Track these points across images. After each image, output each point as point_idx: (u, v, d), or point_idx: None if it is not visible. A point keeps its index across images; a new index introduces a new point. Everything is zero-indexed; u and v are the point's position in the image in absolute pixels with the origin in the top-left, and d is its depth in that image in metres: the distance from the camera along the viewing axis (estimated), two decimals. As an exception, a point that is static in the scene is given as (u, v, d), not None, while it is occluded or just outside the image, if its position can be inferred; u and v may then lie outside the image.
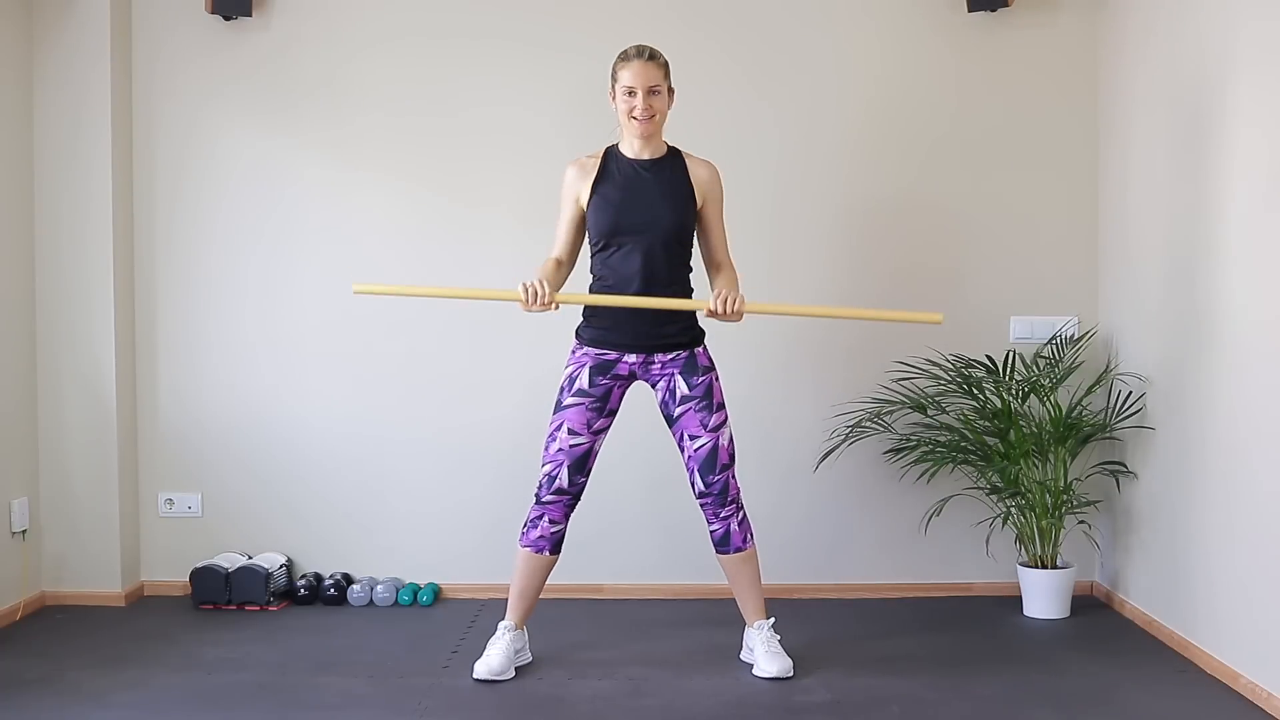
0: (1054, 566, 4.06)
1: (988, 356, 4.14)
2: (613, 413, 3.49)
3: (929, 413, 4.13)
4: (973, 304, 4.32)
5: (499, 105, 4.32)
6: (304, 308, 4.36)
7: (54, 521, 4.25)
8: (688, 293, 3.49)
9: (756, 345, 4.31)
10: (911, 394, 4.18)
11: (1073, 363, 4.12)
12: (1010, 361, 4.12)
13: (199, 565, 4.21)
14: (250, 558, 4.29)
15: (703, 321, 3.51)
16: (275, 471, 4.37)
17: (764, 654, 3.44)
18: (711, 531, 3.48)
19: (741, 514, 3.48)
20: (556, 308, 3.32)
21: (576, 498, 3.47)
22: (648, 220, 3.37)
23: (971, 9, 4.23)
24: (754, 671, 3.46)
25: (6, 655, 3.65)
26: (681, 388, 3.44)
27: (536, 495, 3.45)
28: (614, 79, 3.42)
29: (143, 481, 4.39)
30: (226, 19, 4.29)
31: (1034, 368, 4.11)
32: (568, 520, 3.47)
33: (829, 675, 3.42)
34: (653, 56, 3.40)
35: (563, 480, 3.42)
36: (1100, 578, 4.32)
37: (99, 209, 4.20)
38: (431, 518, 4.38)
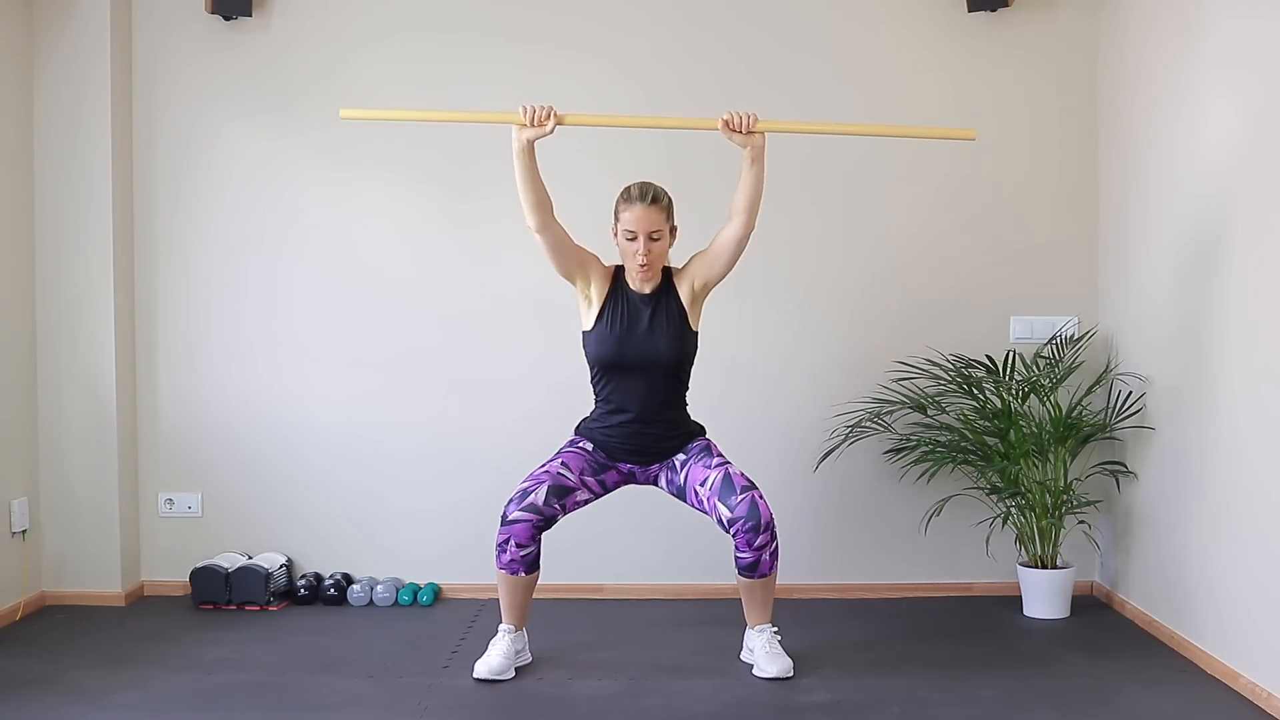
0: (1054, 566, 4.06)
1: (988, 356, 4.14)
2: (602, 485, 3.48)
3: (929, 413, 4.13)
4: (973, 304, 4.33)
5: (499, 104, 4.30)
6: (304, 308, 4.36)
7: (54, 521, 4.25)
8: (685, 413, 3.52)
9: (757, 345, 4.31)
10: (911, 394, 4.18)
11: (1073, 363, 4.12)
12: (1010, 361, 4.12)
13: (199, 565, 4.21)
14: (250, 558, 4.29)
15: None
16: (275, 471, 4.37)
17: (764, 654, 3.43)
18: (739, 557, 3.36)
19: (775, 545, 3.35)
20: (552, 130, 3.24)
21: (548, 522, 3.36)
22: (646, 355, 3.39)
23: (971, 9, 4.23)
24: (754, 672, 3.45)
25: (6, 655, 3.65)
26: (679, 457, 3.47)
27: (503, 514, 3.35)
28: (616, 217, 3.41)
29: (143, 481, 4.39)
30: (226, 19, 4.29)
31: (1034, 368, 4.11)
32: (536, 542, 3.36)
33: (829, 675, 3.42)
34: (655, 199, 3.36)
35: (538, 497, 3.33)
36: (1100, 578, 4.32)
37: (99, 209, 4.20)
38: (431, 518, 4.38)
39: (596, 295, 3.44)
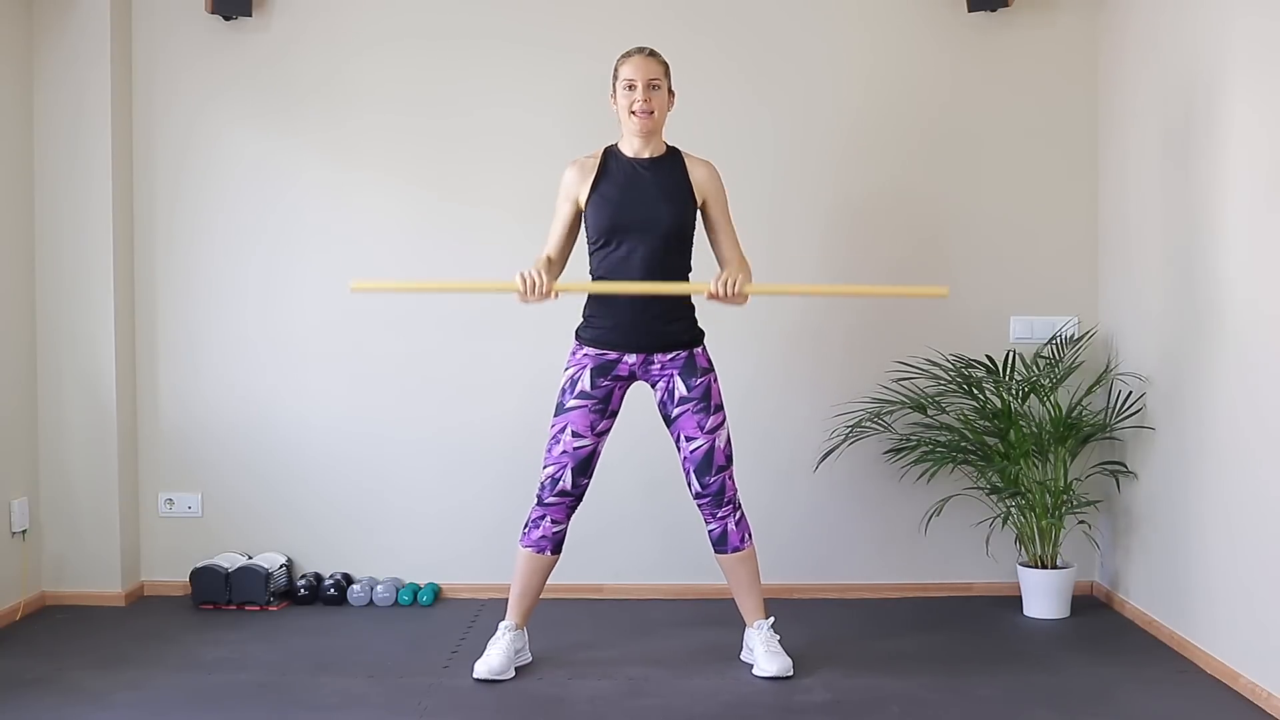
0: (1054, 566, 4.06)
1: (988, 356, 4.14)
2: (614, 414, 3.49)
3: (929, 413, 4.13)
4: (973, 304, 4.32)
5: (499, 106, 4.32)
6: (304, 307, 4.36)
7: (54, 521, 4.25)
8: (688, 298, 3.50)
9: (757, 345, 4.32)
10: (911, 394, 4.18)
11: (1073, 363, 4.12)
12: (1010, 361, 4.12)
13: (199, 565, 4.21)
14: (250, 558, 4.29)
15: (704, 315, 3.52)
16: (275, 471, 4.37)
17: (764, 653, 3.44)
18: (709, 531, 3.49)
19: (739, 514, 3.48)
20: (555, 297, 3.32)
21: (579, 499, 3.47)
22: (646, 218, 3.38)
23: (971, 9, 4.23)
24: (754, 671, 3.45)
25: (6, 655, 3.65)
26: (680, 389, 3.44)
27: (538, 497, 3.46)
28: (615, 76, 3.44)
29: (143, 481, 4.39)
30: (226, 19, 4.29)
31: (1034, 368, 4.11)
32: (569, 520, 3.48)
33: (829, 675, 3.42)
34: (653, 54, 3.43)
35: (566, 482, 3.42)
36: (1100, 578, 4.32)
37: (99, 209, 4.20)
38: (431, 518, 4.38)
39: (590, 184, 3.43)
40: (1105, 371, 4.16)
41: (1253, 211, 3.23)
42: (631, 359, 3.44)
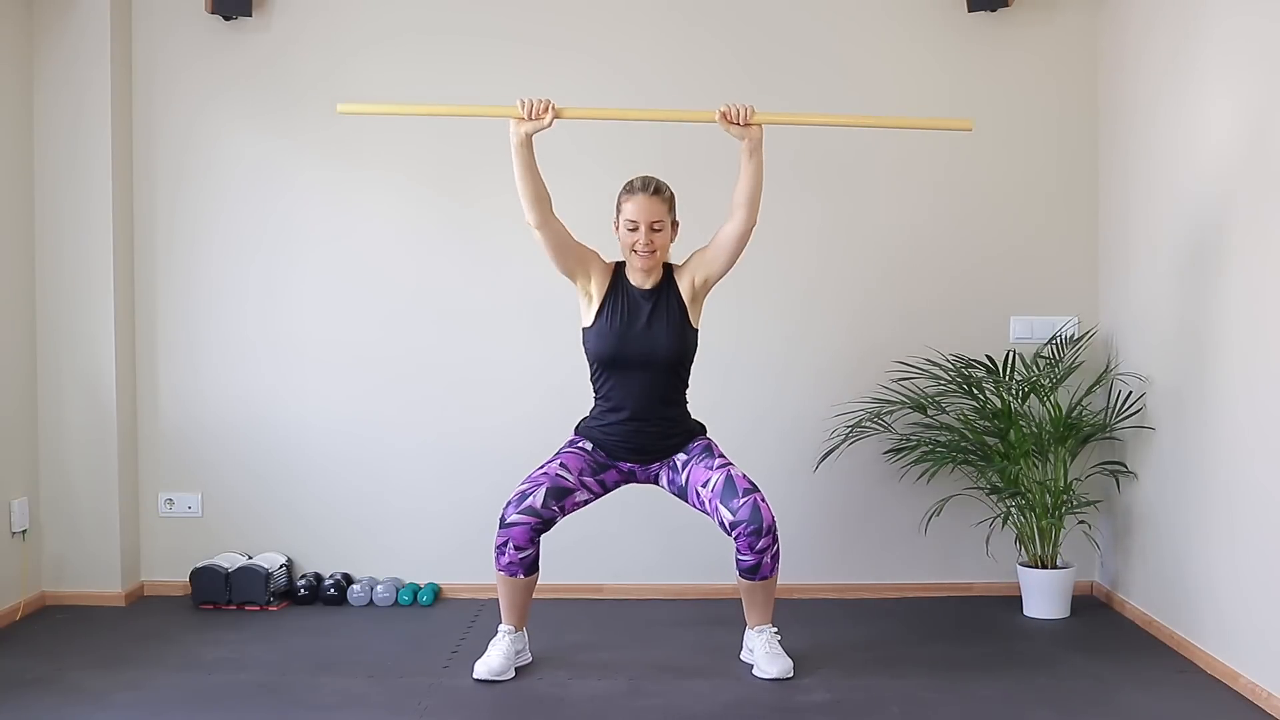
0: (1054, 566, 4.06)
1: (988, 356, 4.14)
2: (602, 485, 3.47)
3: (929, 413, 4.13)
4: (973, 304, 4.33)
5: (498, 104, 4.30)
6: (304, 308, 4.36)
7: (54, 521, 4.25)
8: (685, 411, 3.51)
9: (758, 345, 4.32)
10: (911, 394, 4.18)
11: (1073, 363, 4.12)
12: (1010, 361, 4.12)
13: (199, 565, 4.21)
14: (250, 558, 4.29)
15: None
16: (275, 471, 4.37)
17: (764, 655, 3.43)
18: (741, 561, 3.35)
19: (776, 547, 3.35)
20: (550, 125, 3.25)
21: (546, 524, 3.35)
22: (646, 351, 3.39)
23: (971, 9, 4.23)
24: (754, 672, 3.45)
25: (6, 655, 3.65)
26: (680, 457, 3.47)
27: (501, 517, 3.35)
28: (618, 209, 3.42)
29: (143, 481, 4.39)
30: (226, 19, 4.29)
31: (1034, 368, 4.11)
32: (535, 544, 3.35)
33: (829, 675, 3.42)
34: (657, 190, 3.39)
35: (536, 500, 3.32)
36: (1100, 578, 4.32)
37: (99, 209, 4.20)
38: (431, 518, 4.38)
39: (597, 291, 3.43)
40: (1105, 371, 4.16)
41: (1252, 210, 3.23)
42: (629, 463, 3.49)
